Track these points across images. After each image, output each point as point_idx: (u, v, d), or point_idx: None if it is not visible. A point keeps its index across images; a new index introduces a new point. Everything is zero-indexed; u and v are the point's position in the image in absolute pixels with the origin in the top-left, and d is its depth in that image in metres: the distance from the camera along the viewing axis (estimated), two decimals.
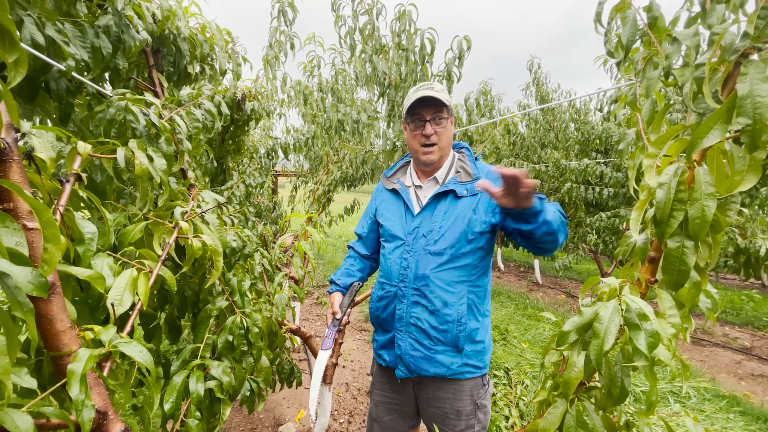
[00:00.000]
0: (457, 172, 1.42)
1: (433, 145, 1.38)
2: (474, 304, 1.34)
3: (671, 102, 1.09)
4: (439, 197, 1.38)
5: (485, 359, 1.39)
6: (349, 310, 1.52)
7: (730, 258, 3.20)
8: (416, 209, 1.42)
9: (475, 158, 1.48)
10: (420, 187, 1.47)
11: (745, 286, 6.49)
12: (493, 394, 2.67)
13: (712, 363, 3.67)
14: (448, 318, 1.30)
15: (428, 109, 1.35)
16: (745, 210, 2.95)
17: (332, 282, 1.60)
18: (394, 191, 1.50)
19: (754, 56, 0.65)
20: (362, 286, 1.58)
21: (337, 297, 1.54)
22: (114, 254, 0.87)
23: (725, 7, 0.77)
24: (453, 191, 1.36)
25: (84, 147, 0.82)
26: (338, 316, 1.48)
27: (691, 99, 0.78)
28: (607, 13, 1.05)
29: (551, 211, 1.17)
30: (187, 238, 1.00)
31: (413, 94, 1.36)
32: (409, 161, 1.57)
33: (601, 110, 4.18)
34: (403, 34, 2.11)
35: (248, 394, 1.23)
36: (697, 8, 0.86)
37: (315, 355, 1.92)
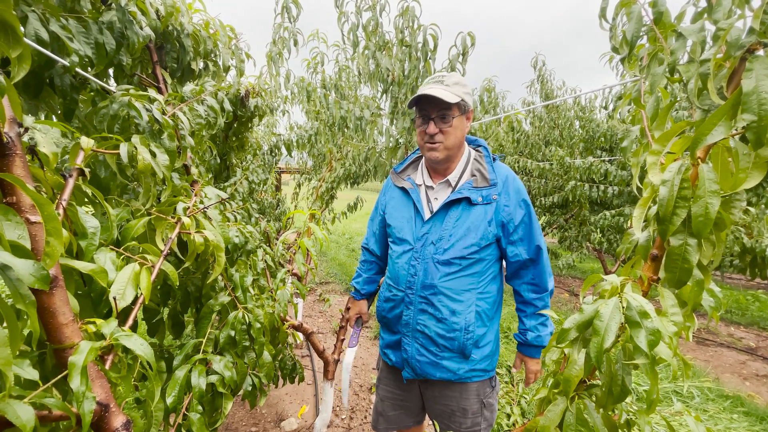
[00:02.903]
0: (473, 175, 1.32)
1: (437, 143, 1.28)
2: (483, 311, 1.30)
3: (676, 99, 1.08)
4: (451, 204, 1.30)
5: (493, 362, 1.37)
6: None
7: (736, 257, 3.18)
8: (426, 213, 1.34)
9: (493, 158, 1.38)
10: (432, 188, 1.38)
11: (751, 285, 6.43)
12: None
13: (717, 363, 3.64)
14: (455, 326, 1.27)
15: (433, 105, 1.25)
16: (751, 209, 2.92)
17: (356, 290, 1.69)
18: (404, 190, 1.42)
19: (760, 52, 0.64)
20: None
21: (363, 306, 1.69)
22: (117, 249, 0.87)
23: (731, 3, 0.76)
24: (467, 198, 1.28)
25: (87, 142, 0.83)
26: (365, 318, 1.65)
27: (696, 95, 0.78)
28: (612, 8, 1.04)
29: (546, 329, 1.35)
30: (190, 234, 1.01)
31: (422, 88, 1.27)
32: (421, 156, 1.49)
33: (606, 108, 4.14)
34: (407, 30, 2.10)
35: (250, 389, 1.24)
36: (703, 3, 0.85)
37: (317, 351, 1.93)
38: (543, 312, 1.26)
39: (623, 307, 0.65)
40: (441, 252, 1.28)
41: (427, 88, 1.24)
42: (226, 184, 2.31)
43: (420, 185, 1.41)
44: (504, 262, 1.40)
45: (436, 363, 1.31)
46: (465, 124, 1.32)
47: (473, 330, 1.27)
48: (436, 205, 1.34)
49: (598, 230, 4.99)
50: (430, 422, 2.39)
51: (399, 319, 1.37)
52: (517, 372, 2.95)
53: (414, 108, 1.33)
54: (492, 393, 1.39)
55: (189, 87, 1.62)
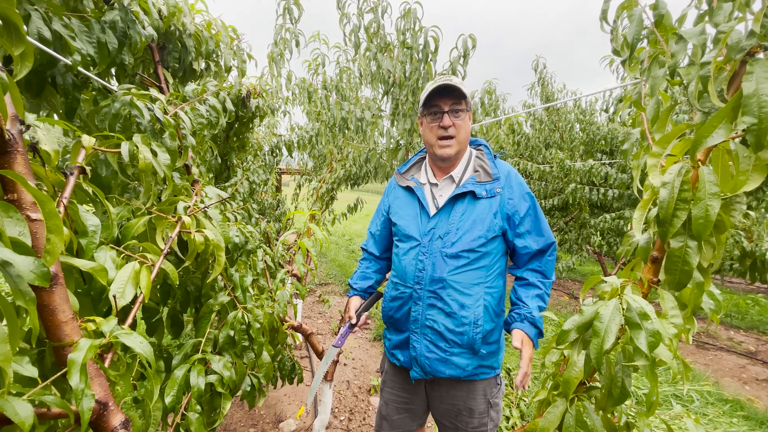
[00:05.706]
0: (476, 171, 1.37)
1: (450, 138, 1.32)
2: (490, 305, 1.31)
3: (677, 101, 1.09)
4: (456, 198, 1.33)
5: (499, 359, 1.38)
6: (365, 313, 1.57)
7: (736, 261, 3.17)
8: (432, 209, 1.37)
9: (494, 156, 1.42)
10: (436, 185, 1.41)
11: (751, 289, 6.43)
12: None
13: (716, 367, 3.63)
14: (464, 320, 1.27)
15: (446, 99, 1.31)
16: (751, 213, 2.92)
17: (350, 286, 1.64)
18: (409, 189, 1.45)
19: (760, 55, 0.64)
20: (381, 296, 1.57)
21: (355, 301, 1.58)
22: (117, 247, 0.87)
23: (732, 6, 0.76)
24: (472, 192, 1.31)
25: (88, 140, 0.83)
26: (353, 321, 1.53)
27: (697, 98, 0.78)
28: (613, 11, 1.04)
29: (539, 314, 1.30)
30: (190, 233, 1.01)
31: (430, 86, 1.31)
32: (424, 157, 1.52)
33: (606, 111, 4.15)
34: (408, 32, 2.11)
35: (249, 389, 1.24)
36: (704, 6, 0.85)
37: (316, 352, 1.93)
38: (542, 314, 1.27)
39: (623, 309, 0.65)
40: (449, 245, 1.29)
41: (443, 79, 1.30)
42: (226, 184, 2.32)
43: (424, 184, 1.44)
44: (508, 258, 1.42)
45: (445, 359, 1.30)
46: (470, 122, 1.38)
47: (482, 324, 1.28)
48: (441, 201, 1.37)
49: (598, 233, 5.00)
50: (431, 424, 2.39)
51: (407, 317, 1.37)
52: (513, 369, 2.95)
53: (422, 109, 1.37)
54: (497, 393, 1.39)
55: (191, 87, 1.62)
